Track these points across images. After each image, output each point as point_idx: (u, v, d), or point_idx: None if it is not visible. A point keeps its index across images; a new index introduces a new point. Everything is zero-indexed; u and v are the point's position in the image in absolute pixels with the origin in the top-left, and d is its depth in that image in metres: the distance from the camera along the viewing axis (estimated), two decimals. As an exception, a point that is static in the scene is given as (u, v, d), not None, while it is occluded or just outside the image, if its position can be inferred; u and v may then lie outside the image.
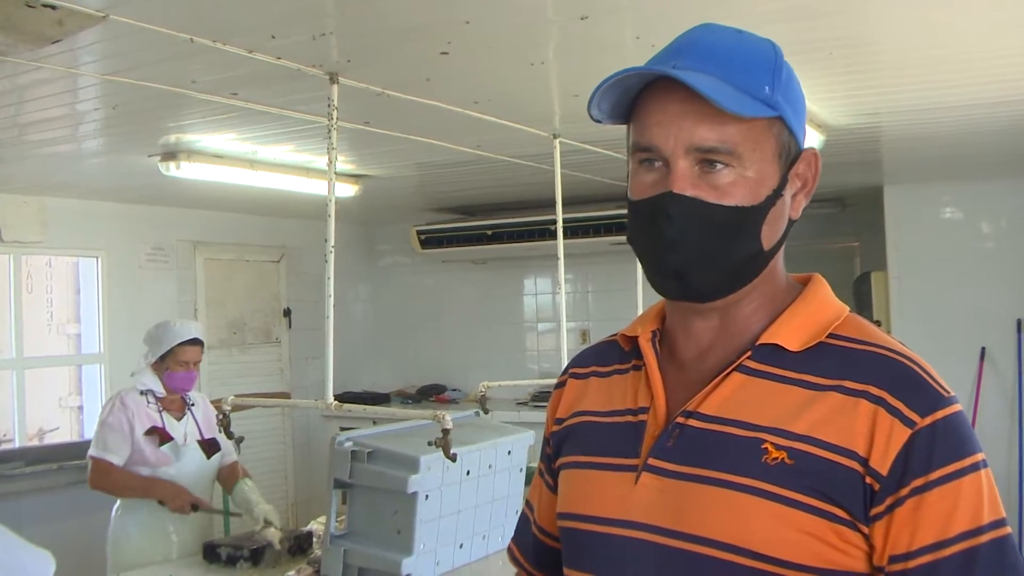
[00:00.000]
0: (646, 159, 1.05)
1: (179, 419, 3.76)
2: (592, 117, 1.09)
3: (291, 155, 4.32)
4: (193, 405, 3.85)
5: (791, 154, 1.07)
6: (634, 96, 1.07)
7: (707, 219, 1.02)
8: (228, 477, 3.87)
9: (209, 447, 3.77)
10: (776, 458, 0.99)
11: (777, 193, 1.05)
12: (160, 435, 3.65)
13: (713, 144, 1.01)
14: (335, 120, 2.90)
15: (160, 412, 3.70)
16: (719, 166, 1.02)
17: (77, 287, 5.91)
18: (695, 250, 1.03)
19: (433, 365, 7.21)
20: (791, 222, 1.10)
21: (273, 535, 3.40)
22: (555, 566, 1.21)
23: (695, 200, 1.02)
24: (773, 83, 1.04)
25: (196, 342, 3.78)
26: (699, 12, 2.29)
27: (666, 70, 1.02)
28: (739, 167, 1.02)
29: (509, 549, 1.38)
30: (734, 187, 1.02)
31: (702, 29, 1.09)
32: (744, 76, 1.03)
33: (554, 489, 1.22)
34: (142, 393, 3.70)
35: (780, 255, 1.11)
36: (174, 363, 3.72)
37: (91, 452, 3.61)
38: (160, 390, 3.72)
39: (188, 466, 3.70)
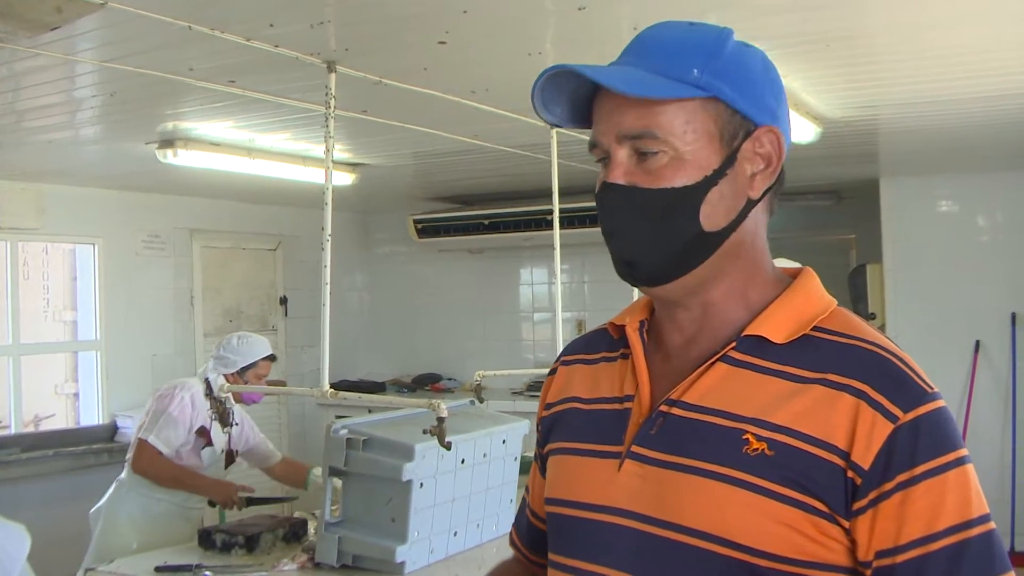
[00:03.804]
0: (599, 157, 1.09)
1: (223, 429, 3.77)
2: (546, 121, 1.12)
3: (288, 143, 4.32)
4: (238, 423, 3.83)
5: (738, 133, 1.07)
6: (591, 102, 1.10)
7: (638, 204, 1.05)
8: (294, 473, 4.01)
9: (229, 458, 3.80)
10: (757, 449, 0.99)
11: (719, 173, 1.06)
12: (205, 438, 3.69)
13: (639, 130, 1.04)
14: (332, 109, 2.91)
15: (213, 418, 3.72)
16: (653, 151, 1.04)
17: (74, 274, 5.91)
18: (632, 235, 1.06)
19: (429, 354, 7.21)
20: (751, 202, 1.09)
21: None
22: (547, 549, 1.23)
23: (625, 187, 1.05)
24: (705, 65, 1.04)
25: (273, 358, 3.91)
26: (694, 2, 2.28)
27: (568, 65, 1.04)
28: (672, 150, 1.04)
29: (510, 532, 1.40)
30: (667, 170, 1.04)
31: (653, 26, 1.11)
32: (670, 63, 1.05)
33: (545, 474, 1.24)
34: (206, 395, 3.72)
35: (758, 242, 1.11)
36: (254, 376, 3.80)
37: (148, 437, 3.59)
38: (233, 403, 3.74)
39: (210, 473, 3.76)
